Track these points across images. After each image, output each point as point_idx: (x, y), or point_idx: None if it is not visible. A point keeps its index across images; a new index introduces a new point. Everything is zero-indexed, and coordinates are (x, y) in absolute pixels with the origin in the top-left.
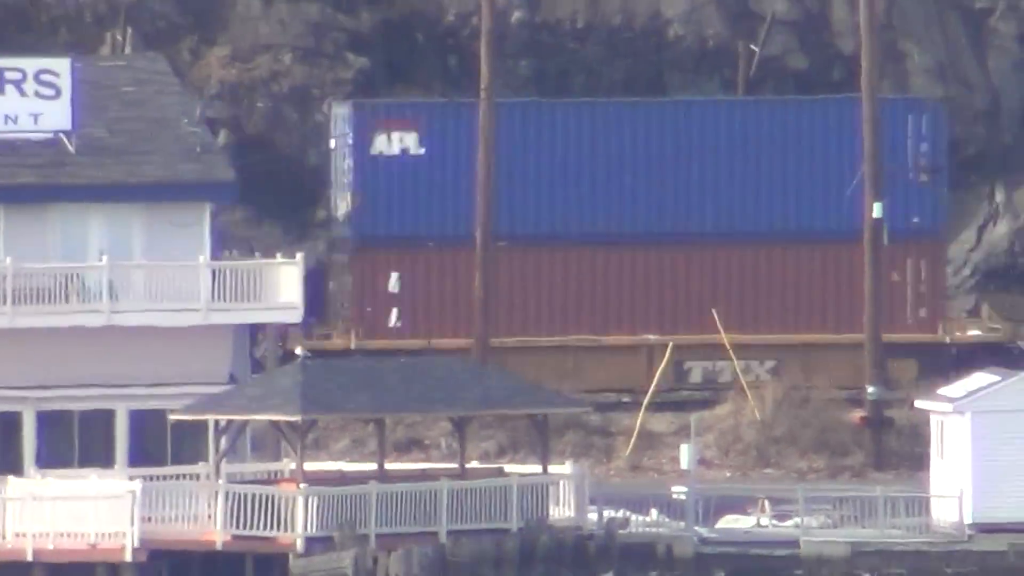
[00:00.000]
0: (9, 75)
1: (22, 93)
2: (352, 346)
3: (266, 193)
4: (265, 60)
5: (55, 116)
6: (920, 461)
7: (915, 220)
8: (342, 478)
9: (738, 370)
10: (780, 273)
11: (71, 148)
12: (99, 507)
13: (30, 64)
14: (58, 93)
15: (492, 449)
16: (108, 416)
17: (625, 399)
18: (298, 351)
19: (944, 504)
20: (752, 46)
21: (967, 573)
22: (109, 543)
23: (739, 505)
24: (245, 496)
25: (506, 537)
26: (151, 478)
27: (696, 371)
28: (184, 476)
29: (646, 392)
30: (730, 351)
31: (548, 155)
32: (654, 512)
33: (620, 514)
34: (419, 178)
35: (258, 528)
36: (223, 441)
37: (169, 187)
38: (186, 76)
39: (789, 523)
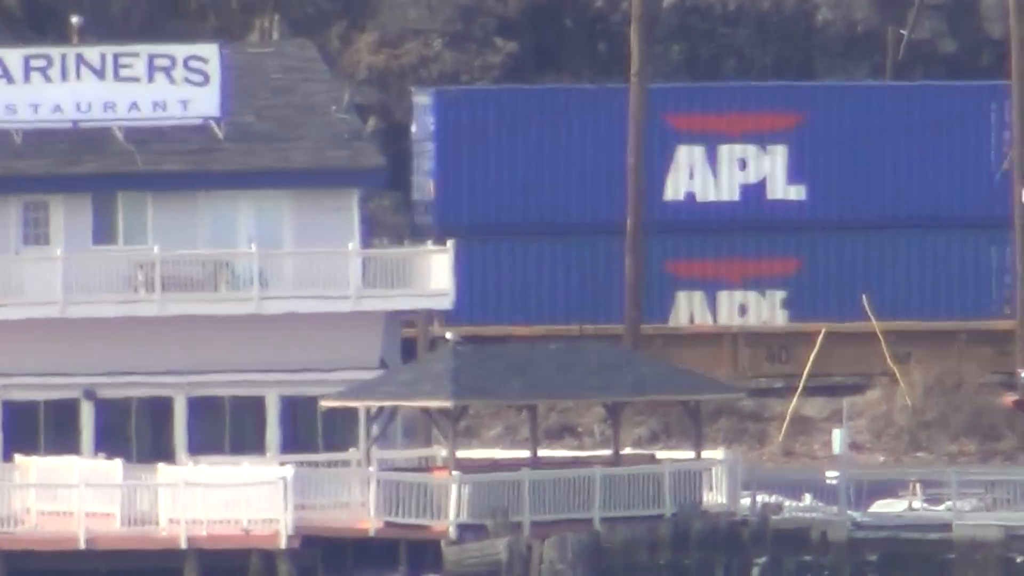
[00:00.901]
0: (158, 62)
1: (171, 80)
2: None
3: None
4: (414, 46)
5: (204, 103)
6: None
7: None
8: (494, 465)
9: (888, 355)
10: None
11: (220, 135)
12: (252, 494)
13: (179, 51)
14: (207, 80)
15: (645, 435)
16: (259, 403)
17: (778, 384)
18: (448, 336)
19: None
20: (901, 31)
21: None
22: (263, 530)
23: (891, 489)
24: (397, 483)
25: (660, 523)
26: (303, 465)
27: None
28: (335, 463)
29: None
30: (881, 337)
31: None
32: (807, 497)
33: (774, 499)
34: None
35: (411, 515)
36: (374, 427)
37: (318, 173)
38: (335, 62)
39: (941, 507)
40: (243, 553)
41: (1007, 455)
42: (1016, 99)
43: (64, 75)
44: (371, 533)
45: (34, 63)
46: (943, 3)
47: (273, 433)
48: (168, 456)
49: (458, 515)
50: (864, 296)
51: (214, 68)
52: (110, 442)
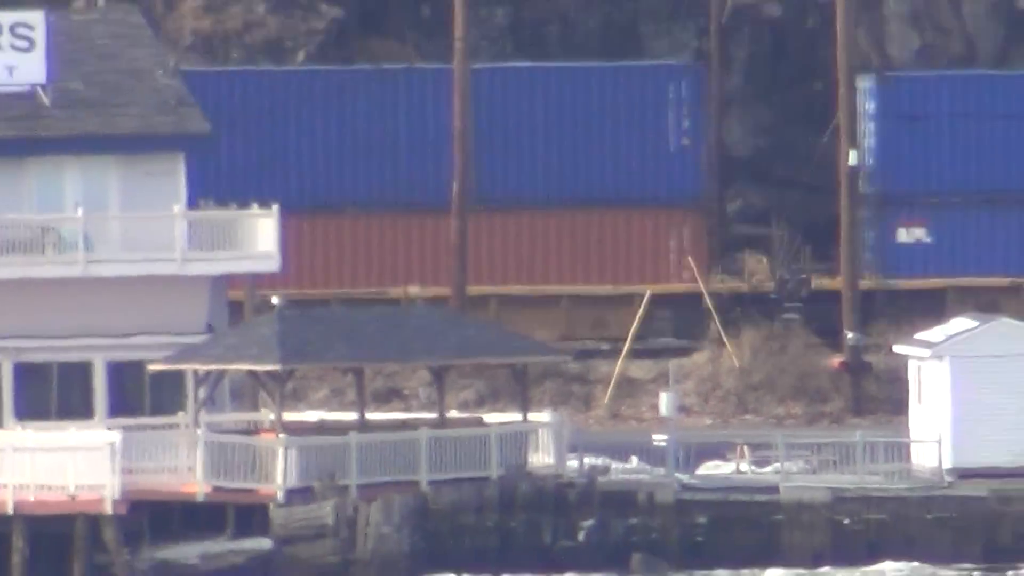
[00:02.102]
0: None
1: None
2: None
3: None
4: (238, 11)
5: (30, 69)
6: (899, 406)
7: None
8: (322, 428)
9: (716, 317)
10: None
11: (46, 101)
12: (79, 459)
13: (4, 18)
14: (32, 46)
15: (471, 398)
16: (86, 367)
17: (604, 347)
18: (275, 300)
19: (923, 449)
20: None
21: (947, 519)
22: (89, 494)
23: (719, 451)
24: (225, 446)
25: (486, 485)
26: (130, 429)
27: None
28: (163, 427)
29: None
30: (708, 298)
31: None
32: (634, 459)
33: (600, 461)
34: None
35: (238, 479)
36: (201, 391)
37: (144, 139)
38: (160, 28)
39: (769, 469)
40: (69, 518)
41: (834, 417)
42: (841, 64)
43: None
44: (199, 497)
45: None
46: None
47: (100, 398)
48: None
49: (285, 478)
50: (690, 258)
51: (40, 34)
52: None
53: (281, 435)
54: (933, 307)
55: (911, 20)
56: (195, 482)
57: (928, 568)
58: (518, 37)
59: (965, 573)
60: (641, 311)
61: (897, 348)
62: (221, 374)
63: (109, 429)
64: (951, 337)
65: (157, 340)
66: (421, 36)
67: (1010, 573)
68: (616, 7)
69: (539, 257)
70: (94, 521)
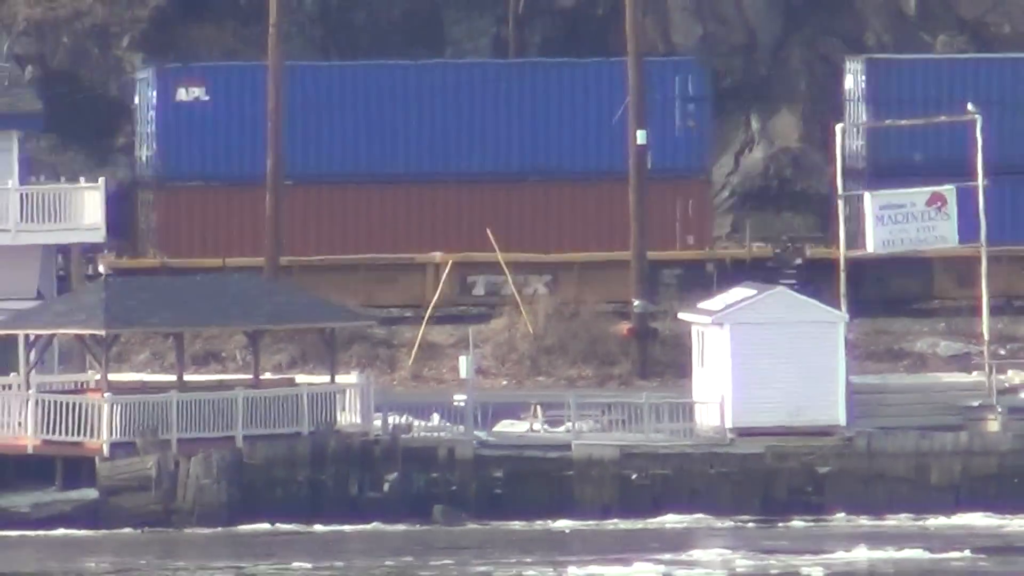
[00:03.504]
0: None
1: None
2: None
3: (70, 122)
4: (71, 4)
5: None
6: (683, 370)
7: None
8: (144, 388)
9: (513, 285)
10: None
11: None
12: None
13: None
14: None
15: (284, 360)
16: None
17: (408, 314)
18: (101, 269)
19: (706, 410)
20: None
21: (728, 473)
22: None
23: (514, 411)
24: (54, 404)
25: (298, 441)
26: None
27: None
28: None
29: (428, 307)
30: (505, 267)
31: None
32: (436, 418)
33: (404, 420)
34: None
35: (66, 434)
36: (32, 354)
37: (7, 117)
38: None
39: (561, 428)
40: None
41: (622, 379)
42: (631, 48)
43: None
44: (29, 450)
45: None
46: None
47: None
48: None
49: (111, 434)
50: (488, 230)
51: None
52: None
53: (106, 394)
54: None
55: (694, 10)
56: (26, 436)
57: (710, 519)
58: (327, 22)
59: (742, 524)
60: (444, 279)
61: (681, 315)
62: (50, 338)
63: None
64: (731, 306)
65: None
66: (239, 22)
67: (780, 525)
68: None
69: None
70: None
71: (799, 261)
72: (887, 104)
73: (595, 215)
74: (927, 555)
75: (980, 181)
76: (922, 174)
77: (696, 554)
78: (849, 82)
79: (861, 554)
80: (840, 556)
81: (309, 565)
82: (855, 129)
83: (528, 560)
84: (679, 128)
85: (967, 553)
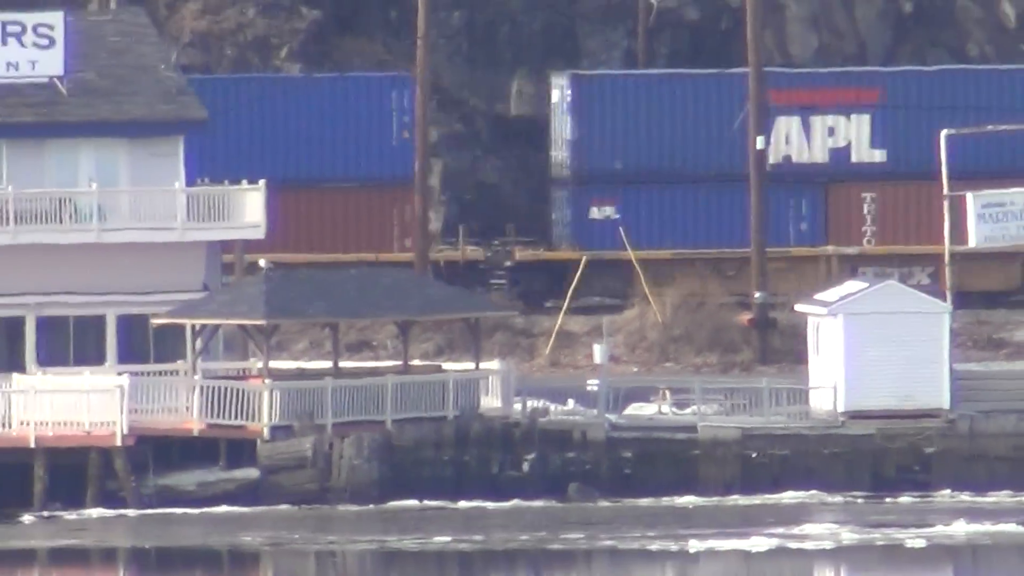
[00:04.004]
0: (10, 28)
1: (21, 43)
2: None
3: None
4: (232, 13)
5: (50, 63)
6: (800, 357)
7: None
8: (302, 374)
9: (643, 280)
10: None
11: (64, 90)
12: (92, 400)
13: (28, 18)
14: (52, 43)
15: (431, 349)
16: (99, 321)
17: (547, 304)
18: (262, 263)
19: (820, 394)
20: (652, 0)
21: (841, 453)
22: (102, 431)
23: (644, 395)
24: (218, 389)
25: (444, 424)
26: (137, 374)
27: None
28: (165, 373)
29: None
30: (636, 265)
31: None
32: (571, 402)
33: (541, 404)
34: None
35: (230, 418)
36: (198, 342)
37: (149, 124)
38: (163, 28)
39: (687, 411)
40: (84, 451)
41: (743, 366)
42: (752, 59)
43: None
44: (195, 433)
45: None
46: None
47: (111, 347)
48: (20, 368)
49: (271, 417)
50: (621, 229)
51: (59, 33)
52: None
53: (267, 380)
54: None
55: (811, 22)
56: (192, 420)
57: (823, 495)
58: (472, 35)
59: (853, 500)
60: (578, 273)
61: (798, 307)
62: (215, 328)
63: (119, 374)
64: (844, 298)
65: (160, 298)
66: (389, 35)
67: (888, 500)
68: (557, 11)
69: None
70: (106, 453)
71: (508, 263)
72: (590, 116)
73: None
74: (1021, 529)
75: None
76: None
77: (807, 528)
78: (556, 96)
79: (960, 528)
80: (940, 530)
81: (449, 539)
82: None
83: (651, 535)
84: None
85: None
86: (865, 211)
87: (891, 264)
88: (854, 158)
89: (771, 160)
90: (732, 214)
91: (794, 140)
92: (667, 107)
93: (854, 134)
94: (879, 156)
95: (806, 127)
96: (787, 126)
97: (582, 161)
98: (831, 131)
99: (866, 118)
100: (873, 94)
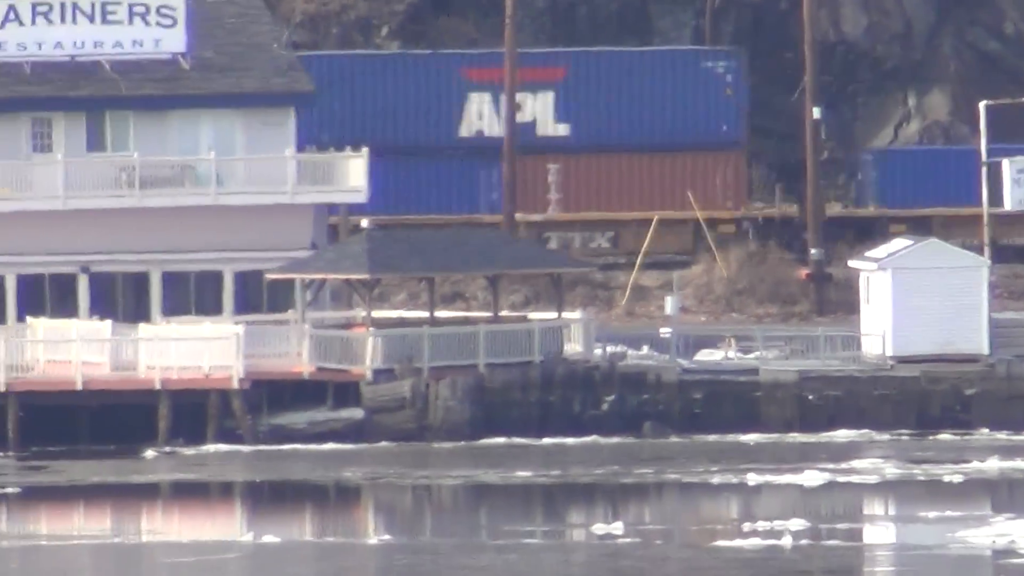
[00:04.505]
0: (136, 9)
1: (146, 23)
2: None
3: None
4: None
5: (172, 41)
6: (852, 307)
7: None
8: (401, 323)
9: (710, 238)
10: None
11: (186, 66)
12: (212, 346)
13: (148, 1)
14: (175, 23)
15: (519, 300)
16: (217, 276)
17: (621, 260)
18: (364, 223)
19: (870, 341)
20: None
21: (889, 394)
22: (220, 374)
23: (711, 342)
24: (326, 337)
25: (530, 368)
26: (252, 324)
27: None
28: (277, 322)
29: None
30: (703, 222)
31: None
32: (645, 348)
33: (619, 349)
34: None
35: (336, 362)
36: (307, 294)
37: (262, 96)
38: (275, 9)
39: (751, 356)
40: (204, 392)
41: (802, 316)
42: (808, 39)
43: (63, 19)
44: (305, 376)
45: (39, 9)
46: None
47: (228, 299)
48: (146, 318)
49: (373, 362)
50: (689, 193)
51: (180, 14)
52: (101, 307)
53: (370, 328)
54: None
55: (862, 3)
56: (302, 365)
57: (872, 433)
58: (555, 17)
59: (899, 438)
60: (651, 232)
61: (851, 263)
62: (323, 282)
63: (235, 324)
64: (892, 254)
65: (272, 255)
66: (479, 15)
67: (931, 438)
68: None
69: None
70: (224, 395)
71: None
72: None
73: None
74: None
75: None
76: None
77: (856, 463)
78: None
79: (994, 464)
80: (976, 466)
81: (530, 473)
82: None
83: (714, 468)
84: None
85: None
86: (550, 180)
87: (573, 229)
88: (539, 132)
89: (463, 134)
90: (429, 185)
91: (485, 115)
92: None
93: (540, 110)
94: (563, 130)
95: (495, 103)
96: (479, 102)
97: None
98: (519, 107)
99: (551, 95)
100: (558, 73)
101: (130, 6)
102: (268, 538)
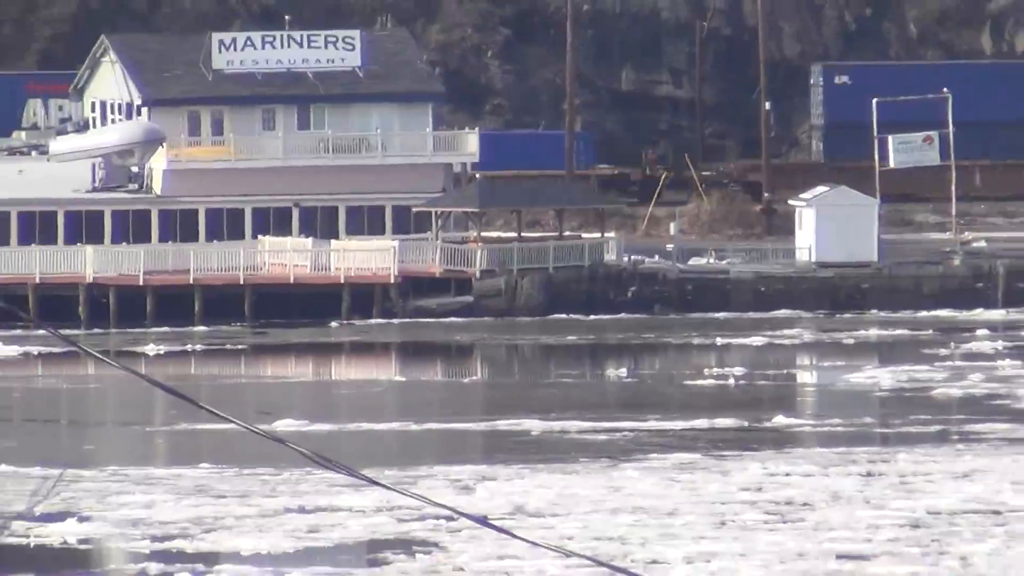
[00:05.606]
0: (329, 39)
1: (336, 48)
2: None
3: (454, 97)
4: (458, 30)
5: (352, 59)
6: (790, 231)
7: None
8: (499, 240)
9: (696, 177)
10: None
11: (361, 76)
12: (377, 255)
13: (340, 33)
14: (354, 48)
15: (575, 224)
16: (381, 209)
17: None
18: (477, 175)
19: (801, 252)
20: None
21: (812, 288)
22: (382, 272)
23: (699, 253)
24: (451, 248)
25: (581, 269)
26: (403, 240)
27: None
28: (420, 239)
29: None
30: (696, 176)
31: None
32: (656, 256)
33: (639, 257)
34: None
35: (457, 265)
36: (439, 221)
37: (410, 95)
38: (419, 39)
39: (724, 262)
40: (371, 284)
41: (757, 236)
42: (762, 57)
43: (282, 45)
44: (436, 274)
45: (267, 39)
46: None
47: (388, 224)
48: (336, 236)
49: (480, 265)
50: (686, 155)
51: (357, 42)
52: (306, 229)
53: (479, 243)
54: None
55: (794, 34)
56: (435, 266)
57: (801, 313)
58: None
59: (817, 316)
60: (661, 184)
61: (791, 201)
62: (449, 213)
63: (392, 240)
64: (815, 196)
65: (417, 195)
66: (560, 45)
67: (837, 316)
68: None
69: None
70: (384, 286)
71: None
72: None
73: None
74: (910, 331)
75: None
76: None
77: (787, 331)
78: None
79: (875, 332)
80: (862, 333)
81: (576, 337)
82: None
83: (695, 335)
84: None
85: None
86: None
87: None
88: None
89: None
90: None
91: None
92: None
93: None
94: None
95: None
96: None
97: None
98: None
99: None
100: None
101: (325, 37)
102: (408, 377)
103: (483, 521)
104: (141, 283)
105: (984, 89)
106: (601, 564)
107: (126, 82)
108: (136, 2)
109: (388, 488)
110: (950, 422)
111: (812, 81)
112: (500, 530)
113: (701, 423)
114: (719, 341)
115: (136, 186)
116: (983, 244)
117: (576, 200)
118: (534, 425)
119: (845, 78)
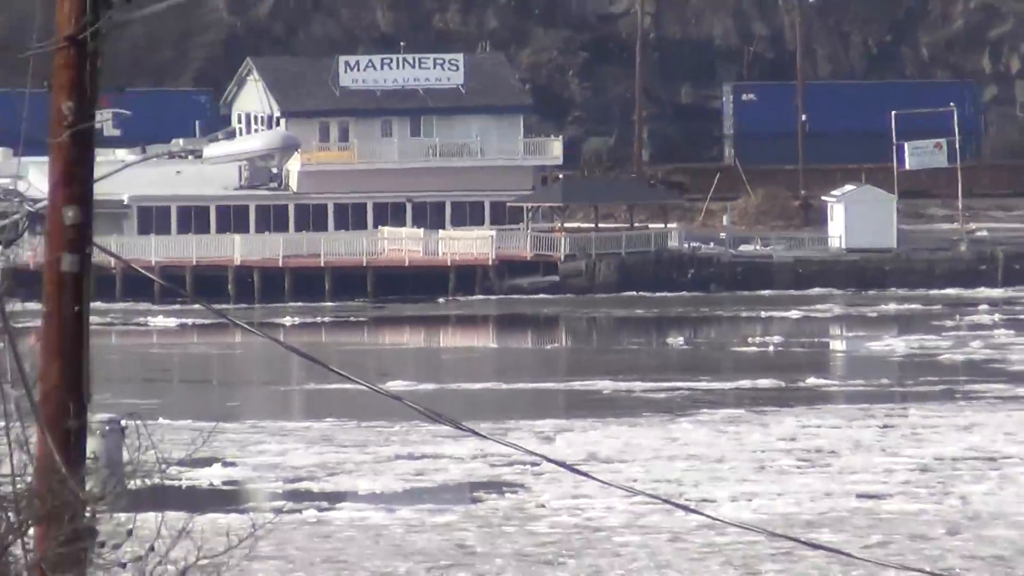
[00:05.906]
0: (437, 61)
1: (443, 69)
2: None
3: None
4: (544, 54)
5: (456, 78)
6: (824, 222)
7: None
8: (579, 230)
9: (745, 179)
10: None
11: (463, 92)
12: (478, 241)
13: (446, 56)
14: (458, 68)
15: (644, 216)
16: (481, 204)
17: (698, 195)
18: (560, 176)
19: (833, 240)
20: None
21: (843, 269)
22: (482, 256)
23: (748, 241)
24: (539, 236)
25: (648, 254)
26: (500, 230)
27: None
28: (512, 229)
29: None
30: (743, 175)
31: None
32: (712, 243)
33: (697, 244)
34: None
35: (545, 250)
36: (529, 215)
37: (505, 108)
38: (512, 61)
39: (768, 248)
40: (473, 267)
41: (796, 227)
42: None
43: (398, 66)
44: (528, 258)
45: (385, 61)
46: None
47: (487, 216)
48: (443, 226)
49: (564, 250)
50: (736, 160)
51: (460, 63)
52: (418, 220)
53: (563, 232)
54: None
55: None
56: (526, 251)
57: (833, 291)
58: None
59: (846, 293)
60: (715, 181)
61: (823, 197)
62: (538, 207)
63: (490, 230)
64: (844, 193)
65: (511, 193)
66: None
67: (863, 293)
68: None
69: None
70: (484, 268)
71: None
72: None
73: None
74: (924, 306)
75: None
76: None
77: (819, 306)
78: None
79: (893, 307)
80: (883, 308)
81: (644, 311)
82: None
83: (743, 309)
84: None
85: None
86: None
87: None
88: None
89: None
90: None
91: None
92: None
93: None
94: None
95: None
96: None
97: None
98: None
99: None
100: None
101: (434, 59)
102: (502, 344)
103: (563, 464)
104: (280, 265)
105: (831, 104)
106: (662, 501)
107: (267, 97)
108: (276, 30)
109: (484, 437)
110: (954, 383)
111: (724, 99)
112: (577, 471)
113: (745, 383)
114: (763, 314)
115: (275, 185)
116: (985, 233)
117: (644, 196)
118: (605, 385)
119: (752, 95)
